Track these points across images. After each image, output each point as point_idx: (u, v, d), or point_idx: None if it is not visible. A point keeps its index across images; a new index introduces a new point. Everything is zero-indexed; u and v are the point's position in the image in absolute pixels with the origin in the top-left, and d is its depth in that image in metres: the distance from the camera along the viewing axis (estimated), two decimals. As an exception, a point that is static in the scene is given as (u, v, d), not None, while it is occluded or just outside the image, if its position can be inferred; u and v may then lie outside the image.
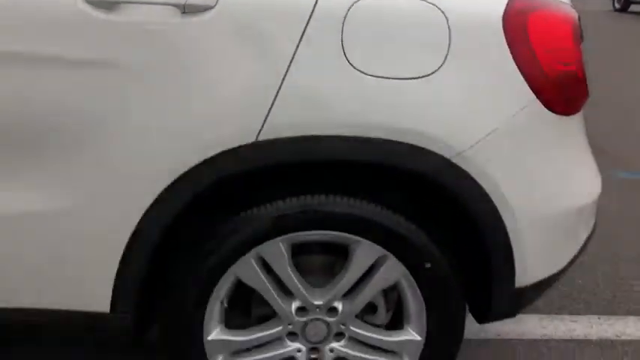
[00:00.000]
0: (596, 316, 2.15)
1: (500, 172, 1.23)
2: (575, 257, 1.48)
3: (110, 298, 1.27)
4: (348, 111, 1.16)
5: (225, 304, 1.35)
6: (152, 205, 1.19)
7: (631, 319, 2.14)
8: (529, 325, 2.08)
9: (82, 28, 1.10)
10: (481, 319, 1.45)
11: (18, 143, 1.15)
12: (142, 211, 1.19)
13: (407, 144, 1.18)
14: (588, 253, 2.60)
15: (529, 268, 1.34)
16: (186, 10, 1.11)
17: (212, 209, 1.27)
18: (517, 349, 1.94)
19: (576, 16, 1.29)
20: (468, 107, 1.19)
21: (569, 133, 1.33)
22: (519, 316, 2.13)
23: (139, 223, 1.20)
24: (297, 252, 1.42)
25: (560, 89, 1.24)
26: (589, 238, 1.51)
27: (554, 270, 1.40)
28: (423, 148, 1.18)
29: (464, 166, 1.20)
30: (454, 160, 1.20)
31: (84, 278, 1.26)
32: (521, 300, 1.41)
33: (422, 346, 1.39)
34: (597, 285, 2.37)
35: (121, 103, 1.14)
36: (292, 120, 1.15)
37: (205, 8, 1.11)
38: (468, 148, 1.19)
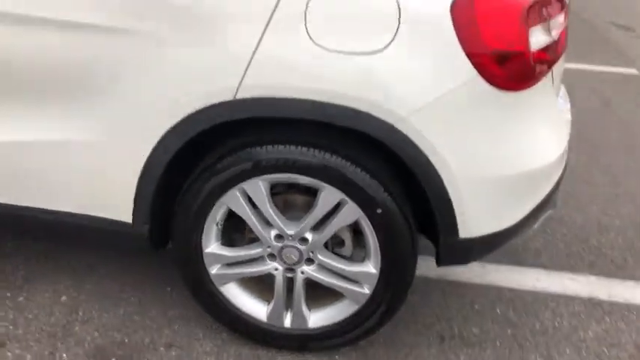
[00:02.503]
0: (594, 277, 2.27)
1: (439, 137, 1.43)
2: (532, 216, 1.64)
3: (132, 211, 1.65)
4: (306, 78, 1.40)
5: (220, 226, 1.69)
6: (158, 143, 1.53)
7: (630, 283, 2.23)
8: (525, 277, 2.25)
9: (107, 1, 1.42)
10: (438, 262, 1.68)
11: (60, 90, 1.52)
12: (152, 147, 1.53)
13: (355, 109, 1.40)
14: (620, 216, 2.65)
15: (473, 223, 1.54)
16: (181, -11, 1.39)
17: (207, 151, 1.60)
18: (507, 296, 2.13)
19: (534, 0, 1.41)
20: (412, 80, 1.38)
21: (516, 107, 1.47)
22: (518, 268, 2.31)
23: (149, 155, 1.55)
24: (284, 191, 1.71)
25: (503, 68, 1.39)
26: (547, 199, 1.65)
27: (502, 226, 1.58)
28: (368, 113, 1.40)
29: (404, 131, 1.41)
30: (396, 125, 1.41)
31: (113, 193, 1.64)
32: (472, 250, 1.61)
33: (376, 279, 1.65)
34: (612, 248, 2.44)
35: (136, 65, 1.46)
36: (261, 84, 1.42)
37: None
38: (408, 115, 1.39)
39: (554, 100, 1.64)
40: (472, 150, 1.46)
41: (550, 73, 1.59)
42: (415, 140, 1.42)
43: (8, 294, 1.99)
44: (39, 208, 1.71)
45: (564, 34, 1.60)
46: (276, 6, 1.37)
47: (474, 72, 1.38)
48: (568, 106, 1.92)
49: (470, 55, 1.37)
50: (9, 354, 1.75)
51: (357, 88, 1.39)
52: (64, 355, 1.75)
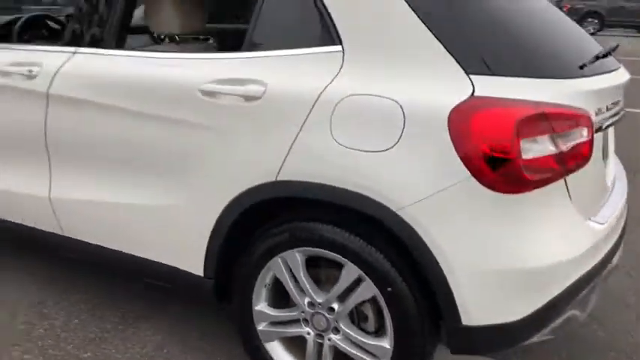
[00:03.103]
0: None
1: (437, 227, 1.62)
2: (544, 316, 1.69)
3: (203, 266, 2.06)
4: (328, 169, 1.73)
5: (268, 288, 2.01)
6: (222, 212, 1.94)
7: None
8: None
9: (198, 106, 1.93)
10: (450, 349, 1.79)
11: (157, 169, 2.04)
12: (218, 214, 1.95)
13: (365, 196, 1.68)
14: None
15: (473, 311, 1.66)
16: (247, 98, 1.85)
17: (258, 222, 1.97)
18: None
19: (533, 112, 1.59)
20: (412, 175, 1.63)
21: (512, 208, 1.61)
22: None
23: (217, 219, 1.96)
24: (326, 265, 1.99)
25: (494, 172, 1.57)
26: (561, 301, 1.70)
27: (506, 320, 1.67)
28: (375, 200, 1.67)
29: (405, 218, 1.64)
30: (398, 212, 1.65)
31: (191, 249, 2.07)
32: (478, 340, 1.71)
33: (390, 355, 1.81)
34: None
35: (210, 149, 1.93)
36: (296, 170, 1.78)
37: (256, 98, 1.83)
38: (406, 205, 1.63)
39: (566, 206, 1.72)
40: (468, 242, 1.62)
41: (563, 181, 1.70)
42: (416, 228, 1.64)
43: (120, 327, 2.49)
44: (141, 257, 2.21)
45: (585, 148, 1.71)
46: (309, 112, 1.75)
47: (467, 173, 1.59)
48: (612, 214, 1.94)
49: (463, 159, 1.59)
50: (103, 371, 2.21)
51: (366, 178, 1.68)
52: (141, 379, 2.16)
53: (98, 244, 2.30)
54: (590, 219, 1.85)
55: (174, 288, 2.25)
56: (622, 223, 2.10)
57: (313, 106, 1.75)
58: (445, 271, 1.64)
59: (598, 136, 1.85)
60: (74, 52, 2.26)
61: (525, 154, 1.58)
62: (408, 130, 1.64)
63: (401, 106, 1.65)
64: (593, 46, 2.10)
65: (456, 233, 1.63)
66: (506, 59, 1.70)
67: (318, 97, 1.75)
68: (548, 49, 1.83)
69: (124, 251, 2.25)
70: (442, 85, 1.65)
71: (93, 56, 2.22)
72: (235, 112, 1.88)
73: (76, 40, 2.28)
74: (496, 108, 1.59)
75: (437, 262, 1.65)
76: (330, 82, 1.75)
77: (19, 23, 2.91)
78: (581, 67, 1.83)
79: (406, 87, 1.67)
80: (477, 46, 1.69)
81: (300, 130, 1.77)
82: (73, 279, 2.86)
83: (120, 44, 2.25)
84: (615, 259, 2.02)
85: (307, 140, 1.76)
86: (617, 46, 2.18)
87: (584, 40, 2.09)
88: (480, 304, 1.66)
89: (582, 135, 1.71)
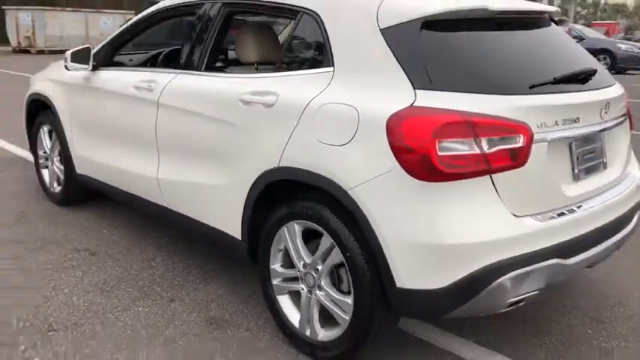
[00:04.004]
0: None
1: (374, 204, 2.10)
2: (469, 287, 2.04)
3: (241, 231, 2.74)
4: (308, 157, 2.30)
5: (281, 252, 2.61)
6: (250, 188, 2.61)
7: None
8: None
9: (238, 111, 2.64)
10: (393, 310, 2.23)
11: (204, 156, 2.79)
12: (248, 189, 2.62)
13: (329, 178, 2.22)
14: None
15: (404, 275, 2.09)
16: (266, 105, 2.51)
17: (274, 200, 2.59)
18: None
19: (451, 120, 2.00)
20: (358, 164, 2.14)
21: (431, 193, 2.01)
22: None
23: (247, 195, 2.63)
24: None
25: (415, 163, 2.01)
26: (482, 277, 2.02)
27: (432, 286, 2.06)
28: (334, 182, 2.20)
29: (353, 196, 2.15)
30: (348, 192, 2.16)
31: (233, 216, 2.74)
32: (409, 301, 2.12)
33: (352, 309, 2.30)
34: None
35: (244, 142, 2.62)
36: (290, 159, 2.38)
37: (271, 105, 2.48)
38: (354, 186, 2.13)
39: (491, 198, 2.05)
40: (396, 218, 2.07)
41: (489, 177, 2.05)
42: (360, 205, 2.14)
43: (197, 281, 3.27)
44: (204, 224, 2.97)
45: (518, 153, 2.05)
46: (301, 115, 2.35)
47: (396, 164, 2.05)
48: (566, 218, 2.20)
49: (394, 152, 2.05)
50: (172, 304, 3.00)
51: (330, 165, 2.22)
52: (187, 314, 2.90)
53: (183, 213, 3.12)
54: (529, 215, 2.14)
55: (227, 248, 2.97)
56: (589, 229, 2.30)
57: (303, 111, 2.35)
58: (380, 240, 2.10)
59: (542, 147, 2.14)
60: (178, 73, 3.14)
61: (442, 152, 1.99)
62: (360, 129, 2.15)
63: (357, 112, 2.17)
64: (579, 66, 2.36)
65: (387, 210, 2.09)
66: (450, 77, 2.13)
67: (308, 104, 2.34)
68: (496, 70, 2.20)
69: (196, 219, 3.04)
70: (392, 96, 2.14)
71: (187, 76, 3.06)
72: (259, 115, 2.55)
73: (180, 65, 3.16)
74: (422, 116, 2.04)
75: (374, 234, 2.11)
76: (318, 94, 2.34)
77: (163, 54, 3.95)
78: (532, 87, 2.16)
79: (366, 98, 2.19)
80: (428, 67, 2.14)
81: (295, 128, 2.38)
82: (180, 244, 3.75)
83: (207, 68, 3.06)
84: (575, 260, 2.24)
85: (298, 136, 2.36)
86: (595, 71, 2.40)
87: (564, 63, 2.38)
88: (409, 271, 2.08)
89: (515, 142, 2.05)
